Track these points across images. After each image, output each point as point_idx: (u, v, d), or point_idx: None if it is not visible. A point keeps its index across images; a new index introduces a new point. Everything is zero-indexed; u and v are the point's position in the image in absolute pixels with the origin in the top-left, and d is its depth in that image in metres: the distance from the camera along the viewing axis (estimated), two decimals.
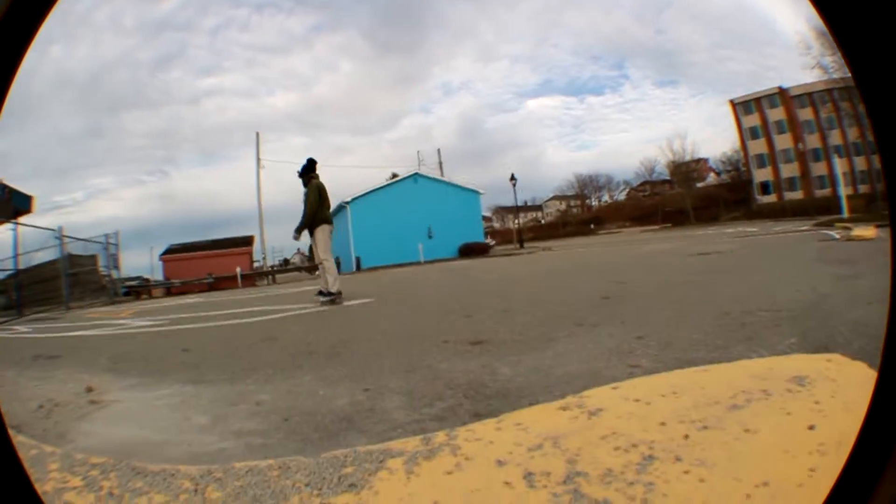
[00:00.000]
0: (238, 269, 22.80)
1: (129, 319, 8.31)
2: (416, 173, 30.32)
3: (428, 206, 27.91)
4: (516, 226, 37.14)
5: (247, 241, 27.85)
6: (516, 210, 37.06)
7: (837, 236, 9.73)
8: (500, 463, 1.52)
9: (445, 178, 32.19)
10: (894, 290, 0.67)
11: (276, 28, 59.40)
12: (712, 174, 45.39)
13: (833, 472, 0.71)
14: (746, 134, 40.21)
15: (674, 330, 3.10)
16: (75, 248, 16.67)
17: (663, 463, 1.40)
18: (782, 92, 37.68)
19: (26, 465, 0.80)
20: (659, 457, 1.44)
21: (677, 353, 2.55)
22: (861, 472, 0.68)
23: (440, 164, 36.18)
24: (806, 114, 36.31)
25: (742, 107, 40.05)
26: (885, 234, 0.76)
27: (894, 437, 0.66)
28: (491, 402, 2.12)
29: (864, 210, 18.83)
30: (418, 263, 23.10)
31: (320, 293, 7.26)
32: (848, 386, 1.77)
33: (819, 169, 35.04)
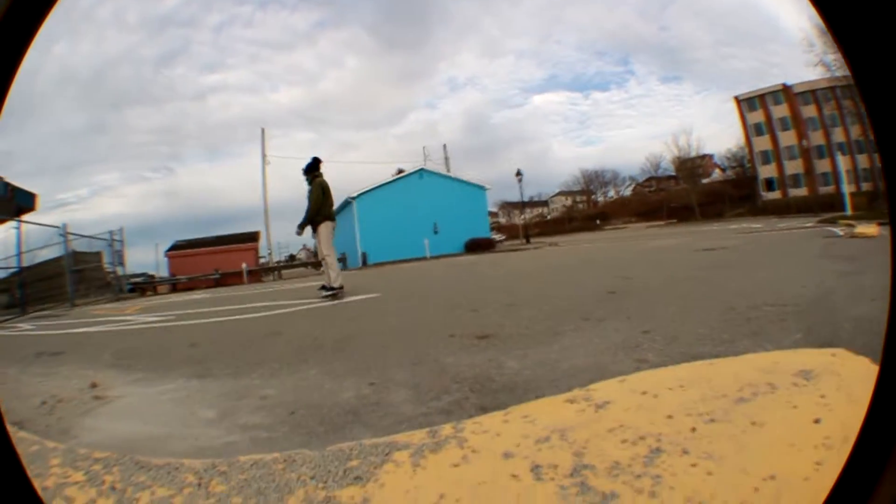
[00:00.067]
0: (244, 265, 22.76)
1: (135, 315, 8.33)
2: (421, 169, 30.15)
3: (434, 201, 27.77)
4: (522, 221, 37.03)
5: (252, 237, 27.82)
6: (522, 205, 36.92)
7: (841, 233, 9.69)
8: (507, 455, 1.51)
9: (451, 174, 32.01)
10: (895, 288, 0.67)
11: (280, 24, 59.09)
12: (717, 170, 45.07)
13: (838, 467, 0.71)
14: (751, 130, 39.94)
15: (680, 324, 3.09)
16: (80, 246, 16.67)
17: (671, 456, 1.40)
18: (786, 89, 37.41)
19: (25, 461, 0.79)
20: (666, 449, 1.44)
21: (683, 347, 2.55)
22: (864, 467, 0.68)
23: (446, 159, 35.93)
24: (809, 111, 36.05)
25: (746, 103, 39.77)
26: (886, 231, 0.76)
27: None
28: (497, 396, 2.12)
29: (867, 207, 18.71)
30: (424, 259, 23.06)
31: (323, 288, 7.33)
32: (853, 380, 1.77)
33: (823, 166, 34.82)
